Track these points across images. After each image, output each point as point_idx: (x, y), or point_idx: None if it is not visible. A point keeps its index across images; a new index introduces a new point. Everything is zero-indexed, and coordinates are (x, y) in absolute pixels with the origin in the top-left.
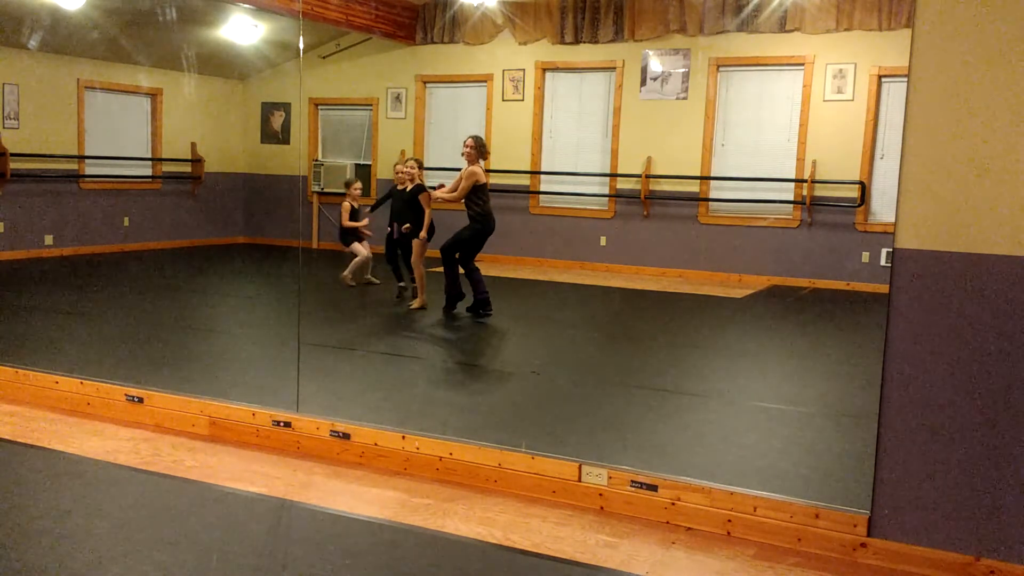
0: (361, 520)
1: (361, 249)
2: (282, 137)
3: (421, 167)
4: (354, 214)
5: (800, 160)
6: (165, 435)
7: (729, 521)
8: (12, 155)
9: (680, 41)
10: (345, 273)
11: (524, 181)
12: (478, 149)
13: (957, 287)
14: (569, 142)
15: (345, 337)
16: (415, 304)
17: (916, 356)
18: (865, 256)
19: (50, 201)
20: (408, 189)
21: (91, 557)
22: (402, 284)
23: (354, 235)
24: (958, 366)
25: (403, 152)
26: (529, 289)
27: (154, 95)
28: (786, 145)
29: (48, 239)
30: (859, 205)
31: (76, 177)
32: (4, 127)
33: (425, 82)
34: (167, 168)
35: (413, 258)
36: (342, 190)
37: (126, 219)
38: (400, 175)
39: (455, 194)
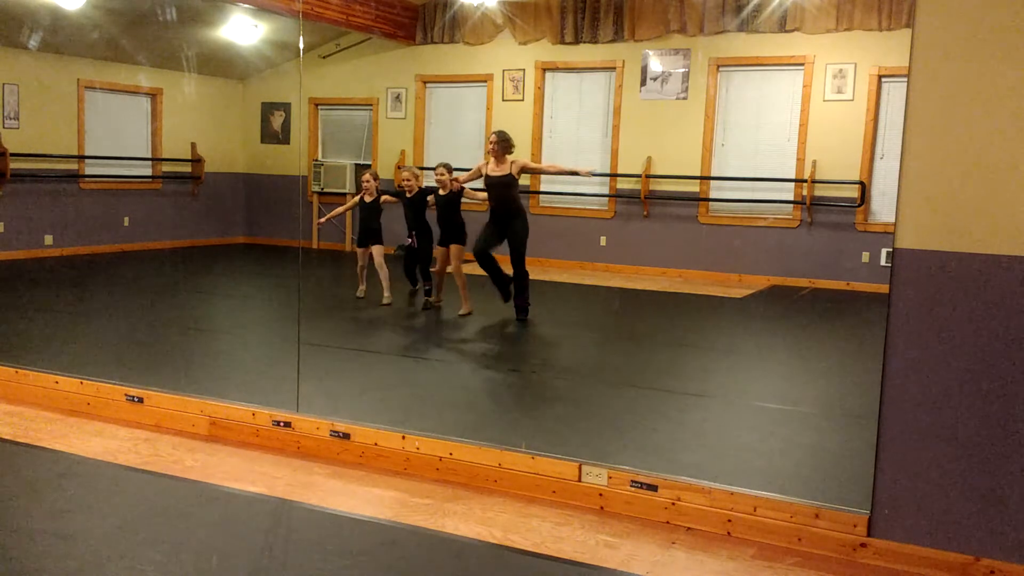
0: (361, 520)
1: (366, 256)
2: (282, 137)
3: (451, 171)
4: (367, 210)
5: (800, 160)
6: (165, 435)
7: (729, 521)
8: (12, 155)
9: (680, 41)
10: (386, 295)
11: (525, 181)
12: (502, 144)
13: (957, 287)
14: (569, 142)
15: (345, 337)
16: (463, 311)
17: (916, 356)
18: (865, 256)
19: (50, 201)
20: (444, 194)
21: (91, 557)
22: (428, 289)
23: (370, 236)
24: (958, 366)
25: (403, 153)
26: (529, 289)
27: (154, 95)
28: (786, 145)
29: (48, 239)
30: (859, 205)
31: (76, 177)
32: (4, 127)
33: (425, 82)
34: (167, 168)
35: (454, 265)
36: (341, 190)
37: (126, 219)
38: (408, 183)
39: (557, 166)
